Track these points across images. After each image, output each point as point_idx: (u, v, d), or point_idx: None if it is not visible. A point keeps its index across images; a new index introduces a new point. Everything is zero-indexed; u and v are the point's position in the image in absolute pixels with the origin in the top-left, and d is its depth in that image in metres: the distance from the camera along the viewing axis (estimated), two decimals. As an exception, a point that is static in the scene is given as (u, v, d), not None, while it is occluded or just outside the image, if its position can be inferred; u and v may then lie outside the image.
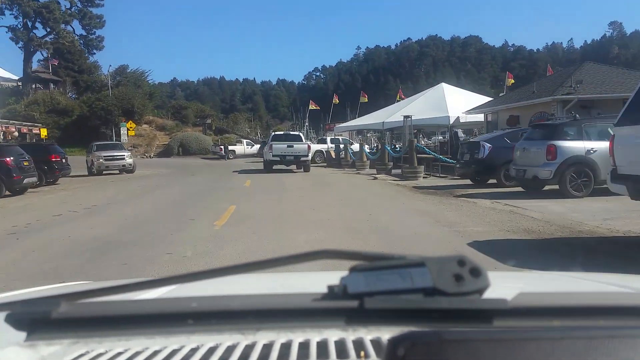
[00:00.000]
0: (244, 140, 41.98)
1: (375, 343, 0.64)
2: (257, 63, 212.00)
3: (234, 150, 37.75)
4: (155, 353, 0.66)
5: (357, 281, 0.67)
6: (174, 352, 0.66)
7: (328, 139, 29.92)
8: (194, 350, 0.66)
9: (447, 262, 0.66)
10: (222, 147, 36.37)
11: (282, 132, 22.21)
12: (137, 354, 0.66)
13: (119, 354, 0.66)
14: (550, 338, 0.54)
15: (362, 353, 0.63)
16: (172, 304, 0.71)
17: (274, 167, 19.02)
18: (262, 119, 57.79)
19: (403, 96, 39.23)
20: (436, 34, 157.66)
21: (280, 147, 20.95)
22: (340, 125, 28.75)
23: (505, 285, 1.29)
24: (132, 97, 42.76)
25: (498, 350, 0.52)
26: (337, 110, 53.84)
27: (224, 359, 0.64)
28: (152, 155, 40.98)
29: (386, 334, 0.65)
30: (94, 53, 52.83)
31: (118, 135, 44.68)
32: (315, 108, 47.57)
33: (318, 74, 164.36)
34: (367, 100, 43.55)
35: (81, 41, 51.43)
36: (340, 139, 27.02)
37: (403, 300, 0.65)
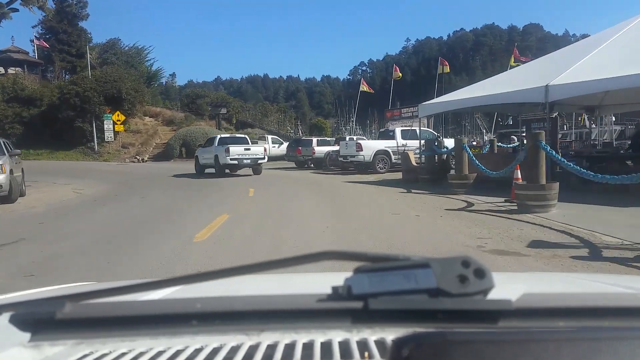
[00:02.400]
0: (269, 137, 32.08)
1: (380, 344, 0.62)
2: (302, 60, 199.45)
3: None
4: (160, 354, 0.65)
5: (361, 282, 0.65)
6: (178, 353, 0.64)
7: (397, 131, 20.21)
8: (198, 351, 0.65)
9: (451, 263, 0.64)
10: None
11: (228, 135, 21.16)
12: (141, 354, 0.65)
13: (123, 354, 0.65)
14: (555, 339, 0.53)
15: (366, 354, 0.60)
16: (176, 304, 0.72)
17: (226, 170, 19.11)
18: (306, 116, 57.78)
19: (522, 57, 29.65)
20: (492, 22, 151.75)
21: (237, 150, 19.53)
22: (429, 103, 15.09)
23: (510, 286, 1.15)
24: (118, 79, 33.19)
25: (503, 351, 0.51)
26: (381, 104, 48.84)
27: (228, 359, 0.61)
28: (145, 159, 32.93)
29: (390, 334, 0.63)
30: (77, 24, 42.74)
31: (101, 130, 34.34)
32: (368, 91, 40.29)
33: (364, 68, 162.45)
34: (449, 70, 36.55)
35: (54, 5, 38.00)
36: (417, 131, 16.98)
37: (407, 301, 0.63)
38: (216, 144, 18.03)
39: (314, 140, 24.49)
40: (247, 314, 0.67)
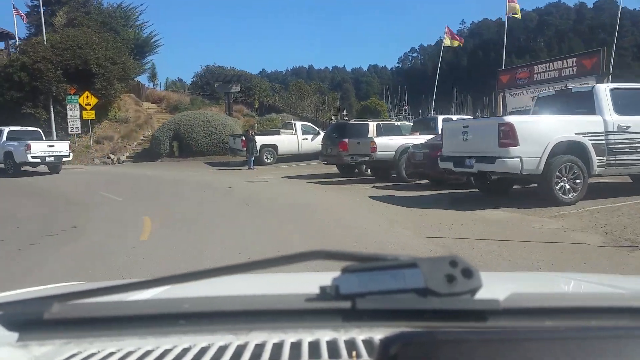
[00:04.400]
0: (297, 125, 23.09)
1: (367, 343, 0.64)
2: (348, 50, 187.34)
3: (274, 146, 21.61)
4: (147, 353, 0.66)
5: (349, 282, 0.66)
6: (166, 352, 0.66)
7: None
8: (186, 351, 0.66)
9: (439, 262, 0.65)
10: (246, 137, 20.57)
11: (19, 128, 19.97)
12: (129, 354, 0.66)
13: (111, 354, 0.67)
14: (542, 339, 0.52)
15: (354, 353, 0.62)
16: (165, 304, 0.74)
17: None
18: (353, 107, 48.83)
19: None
20: (558, 0, 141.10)
21: (40, 146, 18.23)
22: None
23: (498, 285, 1.22)
24: (85, 45, 25.12)
25: (490, 351, 0.51)
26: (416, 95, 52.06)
27: (216, 359, 0.64)
28: (123, 159, 25.22)
29: (378, 334, 0.65)
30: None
31: (64, 118, 25.29)
32: (453, 45, 28.82)
33: (415, 55, 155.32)
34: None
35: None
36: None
37: (395, 300, 0.64)
38: (4, 138, 18.04)
39: (372, 125, 15.59)
40: (235, 314, 0.69)
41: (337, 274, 0.67)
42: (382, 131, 14.85)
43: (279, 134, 22.47)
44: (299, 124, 23.03)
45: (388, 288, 0.64)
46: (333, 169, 17.08)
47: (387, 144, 13.20)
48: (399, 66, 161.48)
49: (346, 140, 14.57)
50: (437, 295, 0.62)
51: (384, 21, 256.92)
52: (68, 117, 25.00)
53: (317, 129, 23.06)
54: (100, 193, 12.25)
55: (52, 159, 18.71)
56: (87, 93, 25.16)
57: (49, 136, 24.96)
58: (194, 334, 0.68)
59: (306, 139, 22.00)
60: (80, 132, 25.38)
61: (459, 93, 73.18)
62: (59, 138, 25.37)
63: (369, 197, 10.40)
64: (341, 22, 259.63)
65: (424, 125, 14.63)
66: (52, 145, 19.29)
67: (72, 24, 29.89)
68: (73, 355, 0.65)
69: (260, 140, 20.55)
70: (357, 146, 13.91)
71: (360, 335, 0.66)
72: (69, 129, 24.94)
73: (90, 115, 25.60)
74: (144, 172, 18.89)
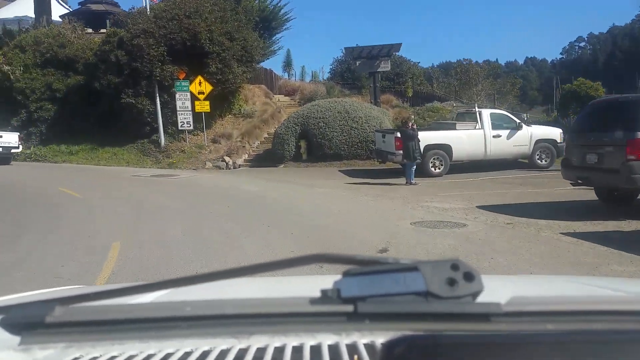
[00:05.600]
0: (484, 114, 14.47)
1: (369, 347, 0.65)
2: (501, 42, 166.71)
3: (446, 147, 13.92)
4: (150, 357, 0.67)
5: (350, 285, 0.67)
6: (168, 356, 0.67)
7: None
8: (188, 354, 0.67)
9: (440, 266, 0.65)
10: (402, 134, 12.85)
11: None
12: (131, 357, 0.67)
13: (113, 357, 0.67)
14: (544, 342, 0.53)
15: (356, 357, 0.63)
16: (166, 308, 0.74)
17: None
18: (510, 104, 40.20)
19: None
20: None
21: None
22: None
23: (499, 288, 1.22)
24: (194, 14, 18.94)
25: (493, 354, 0.52)
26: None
27: None
28: (240, 163, 19.08)
29: (379, 338, 0.65)
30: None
31: (173, 110, 19.78)
32: None
33: (582, 44, 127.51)
34: None
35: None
36: None
37: (396, 303, 0.64)
38: None
39: None
40: (236, 317, 0.69)
41: (338, 277, 0.67)
42: None
43: (453, 128, 14.53)
44: (486, 112, 14.73)
45: (389, 291, 0.64)
46: (577, 193, 9.51)
47: None
48: (562, 57, 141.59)
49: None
50: (438, 298, 0.62)
51: (544, 7, 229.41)
52: (177, 108, 19.18)
53: (517, 121, 14.86)
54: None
55: (0, 149, 19.04)
56: (199, 78, 19.12)
57: (155, 132, 20.04)
58: (195, 338, 0.68)
59: (498, 135, 13.97)
60: (192, 127, 19.59)
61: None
62: (169, 135, 20.17)
63: None
64: (494, 13, 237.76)
65: None
66: (0, 136, 19.04)
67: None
68: (75, 359, 0.66)
69: (424, 137, 13.08)
70: None
71: (361, 338, 0.66)
72: (179, 124, 19.36)
73: (203, 106, 19.88)
74: (248, 187, 12.79)
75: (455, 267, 0.63)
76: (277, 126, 21.41)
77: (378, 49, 21.36)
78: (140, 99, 19.19)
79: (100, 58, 19.66)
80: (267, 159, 19.06)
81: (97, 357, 0.65)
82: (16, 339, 0.67)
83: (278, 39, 30.70)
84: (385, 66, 21.34)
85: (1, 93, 21.87)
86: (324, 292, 0.67)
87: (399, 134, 13.17)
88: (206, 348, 0.66)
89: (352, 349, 0.63)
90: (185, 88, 19.57)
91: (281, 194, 11.68)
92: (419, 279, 0.63)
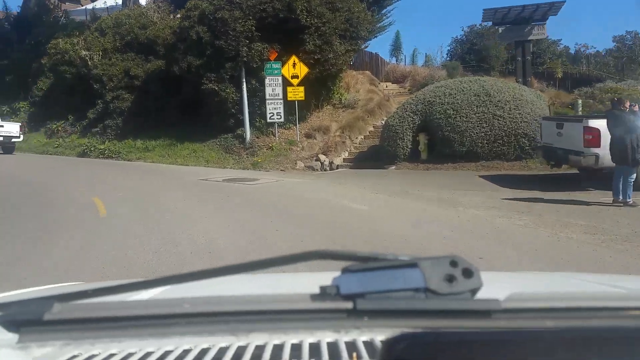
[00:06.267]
0: None
1: (368, 344, 0.65)
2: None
3: None
4: (149, 354, 0.67)
5: (349, 282, 0.67)
6: (166, 354, 0.67)
7: None
8: (186, 352, 0.67)
9: (439, 262, 0.65)
10: (616, 119, 7.78)
11: None
12: (130, 355, 0.67)
13: (112, 355, 0.67)
14: (543, 339, 0.54)
15: (355, 354, 0.63)
16: (165, 305, 0.74)
17: None
18: None
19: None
20: None
21: None
22: None
23: (498, 285, 1.21)
24: None
25: (492, 351, 0.52)
26: None
27: None
28: (337, 163, 14.78)
29: (379, 335, 0.66)
30: None
31: (262, 99, 15.63)
32: None
33: None
34: None
35: None
36: None
37: (395, 301, 0.65)
38: None
39: None
40: (235, 314, 0.69)
41: (337, 273, 0.68)
42: None
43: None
44: None
45: (388, 288, 0.64)
46: None
47: None
48: None
49: None
50: (437, 295, 0.62)
51: None
52: (266, 96, 16.65)
53: None
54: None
55: (0, 139, 19.35)
56: (293, 58, 16.72)
57: (240, 126, 17.02)
58: (194, 335, 0.68)
59: None
60: (282, 119, 16.91)
61: None
62: (255, 129, 17.02)
63: None
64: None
65: None
66: (2, 126, 19.54)
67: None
68: (73, 357, 0.65)
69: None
70: None
71: (360, 336, 0.66)
72: (268, 115, 16.81)
73: (297, 93, 17.02)
74: (353, 204, 8.63)
75: (454, 263, 0.63)
76: (385, 118, 17.47)
77: (531, 10, 17.33)
78: (223, 85, 16.86)
79: (179, 37, 17.74)
80: (372, 158, 16.16)
81: (95, 355, 0.65)
82: (14, 336, 0.68)
83: (389, 12, 26.13)
84: (539, 33, 17.64)
85: (79, 82, 21.46)
86: (323, 288, 0.67)
87: (598, 122, 8.80)
88: (205, 345, 0.66)
89: (351, 346, 0.64)
90: (276, 71, 17.26)
91: (409, 219, 7.59)
92: (418, 275, 0.63)
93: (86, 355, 0.64)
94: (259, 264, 0.67)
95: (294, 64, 16.35)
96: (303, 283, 1.27)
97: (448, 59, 32.71)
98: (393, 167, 14.65)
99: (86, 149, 19.95)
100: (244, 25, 15.96)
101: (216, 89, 16.49)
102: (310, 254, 0.64)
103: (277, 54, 16.71)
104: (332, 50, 16.82)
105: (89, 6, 35.86)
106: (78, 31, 23.36)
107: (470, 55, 29.83)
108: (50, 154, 21.83)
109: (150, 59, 19.73)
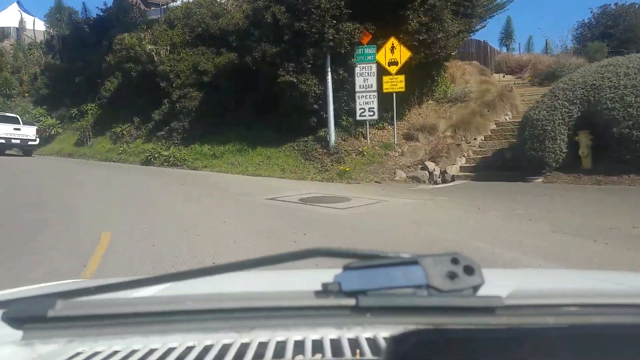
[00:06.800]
0: None
1: (371, 341, 0.68)
2: None
3: None
4: (152, 351, 0.69)
5: (351, 279, 0.69)
6: (170, 351, 0.69)
7: None
8: (190, 349, 0.69)
9: (441, 260, 0.68)
10: None
11: None
12: (133, 352, 0.69)
13: (116, 352, 0.70)
14: (546, 336, 0.56)
15: (358, 351, 0.65)
16: (168, 302, 0.76)
17: None
18: None
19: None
20: None
21: (5, 128, 20.29)
22: None
23: (500, 282, 1.22)
24: None
25: (495, 348, 0.54)
26: None
27: (220, 357, 0.66)
28: (453, 173, 11.39)
29: (381, 332, 0.69)
30: None
31: (350, 93, 12.33)
32: None
33: None
34: None
35: None
36: None
37: (397, 297, 0.67)
38: None
39: None
40: (238, 311, 0.71)
41: (338, 271, 0.69)
42: None
43: None
44: None
45: (390, 285, 0.65)
46: None
47: None
48: None
49: None
50: (439, 292, 0.64)
51: None
52: (356, 89, 14.13)
53: None
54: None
55: (17, 141, 20.44)
56: (392, 41, 13.97)
57: (323, 126, 14.15)
58: (197, 332, 0.70)
59: None
60: (376, 117, 14.25)
61: None
62: (342, 130, 14.37)
63: None
64: None
65: None
66: (18, 129, 20.54)
67: None
68: (77, 354, 0.66)
69: None
70: None
71: (363, 333, 0.68)
72: (358, 112, 14.28)
73: (396, 84, 14.20)
74: (523, 257, 4.15)
75: (455, 260, 0.64)
76: (510, 112, 13.51)
77: None
78: (304, 77, 14.02)
79: (252, 21, 15.39)
80: (501, 167, 12.95)
81: (99, 352, 0.66)
82: (18, 333, 0.69)
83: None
84: None
85: (144, 80, 20.17)
86: (325, 285, 0.69)
87: None
88: (208, 342, 0.67)
89: (354, 343, 0.65)
90: (370, 57, 14.77)
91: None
92: (420, 272, 0.64)
93: (90, 352, 0.64)
94: (262, 261, 0.66)
95: (393, 48, 13.59)
96: (305, 280, 1.30)
97: (576, 45, 28.75)
98: (540, 180, 11.01)
99: (150, 155, 18.43)
100: (330, 2, 12.89)
101: (295, 81, 13.77)
102: (312, 251, 0.64)
103: (370, 37, 13.87)
104: (442, 29, 13.47)
105: (170, 4, 37.60)
106: (146, 25, 21.94)
107: (609, 37, 25.36)
108: (113, 161, 20.21)
109: (221, 52, 17.67)
